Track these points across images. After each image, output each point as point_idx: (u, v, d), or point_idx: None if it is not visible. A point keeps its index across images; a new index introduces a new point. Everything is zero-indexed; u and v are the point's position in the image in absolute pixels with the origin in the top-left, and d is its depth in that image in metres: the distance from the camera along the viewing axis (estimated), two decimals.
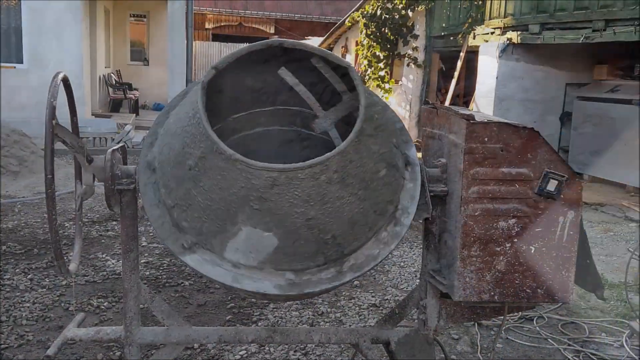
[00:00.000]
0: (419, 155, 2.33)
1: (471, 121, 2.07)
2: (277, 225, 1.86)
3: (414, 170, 2.18)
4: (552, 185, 2.10)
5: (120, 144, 2.34)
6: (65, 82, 2.22)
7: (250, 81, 2.31)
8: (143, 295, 2.38)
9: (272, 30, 32.81)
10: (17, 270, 4.70)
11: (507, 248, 2.15)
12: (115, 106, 15.25)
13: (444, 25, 13.05)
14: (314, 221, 1.87)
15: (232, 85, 2.26)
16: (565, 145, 10.74)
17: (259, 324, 4.03)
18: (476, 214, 2.12)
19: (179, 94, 2.29)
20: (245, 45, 2.11)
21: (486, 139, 2.08)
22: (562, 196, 2.11)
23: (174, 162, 1.97)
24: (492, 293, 2.18)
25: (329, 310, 4.33)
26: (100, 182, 2.26)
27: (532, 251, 2.15)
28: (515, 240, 2.14)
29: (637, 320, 4.13)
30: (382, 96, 15.03)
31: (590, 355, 3.81)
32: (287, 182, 1.81)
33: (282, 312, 4.22)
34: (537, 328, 4.21)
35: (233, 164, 1.81)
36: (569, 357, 3.78)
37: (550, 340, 4.02)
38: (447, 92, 12.73)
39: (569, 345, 3.96)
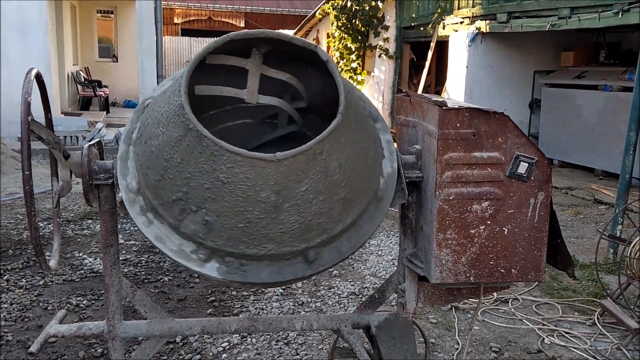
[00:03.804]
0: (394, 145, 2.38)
1: (443, 108, 2.12)
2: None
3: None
4: (522, 168, 2.16)
5: (96, 139, 2.34)
6: (39, 78, 2.21)
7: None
8: (124, 289, 2.39)
9: (242, 24, 32.57)
10: None
11: (481, 230, 2.21)
12: (85, 104, 15.02)
13: (414, 15, 13.14)
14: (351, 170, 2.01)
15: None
16: (535, 132, 10.95)
17: (240, 316, 4.05)
18: (450, 198, 2.17)
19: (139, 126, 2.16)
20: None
21: (458, 125, 2.13)
22: (532, 178, 2.18)
23: (231, 214, 1.88)
24: (468, 274, 2.24)
25: (309, 300, 4.37)
26: (77, 178, 2.26)
27: (505, 232, 2.22)
28: (489, 222, 2.20)
29: (608, 298, 4.27)
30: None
31: (564, 334, 3.93)
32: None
33: (262, 304, 4.26)
34: (512, 309, 4.32)
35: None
36: (543, 336, 3.90)
37: (525, 321, 4.13)
38: (419, 82, 12.84)
39: (543, 325, 4.08)
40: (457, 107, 2.13)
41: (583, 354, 3.67)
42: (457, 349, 3.71)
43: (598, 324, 4.05)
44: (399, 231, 2.48)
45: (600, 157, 9.17)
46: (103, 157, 2.36)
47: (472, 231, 2.21)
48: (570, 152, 9.88)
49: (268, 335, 3.70)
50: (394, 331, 2.46)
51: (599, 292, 4.59)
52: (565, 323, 4.12)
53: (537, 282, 4.77)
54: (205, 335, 3.62)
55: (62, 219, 6.16)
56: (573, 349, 3.73)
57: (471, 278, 2.25)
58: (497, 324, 4.09)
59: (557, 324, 4.10)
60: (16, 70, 10.55)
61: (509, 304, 4.41)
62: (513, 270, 2.25)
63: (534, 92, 11.02)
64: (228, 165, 1.78)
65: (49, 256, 2.40)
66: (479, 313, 4.21)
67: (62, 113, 12.18)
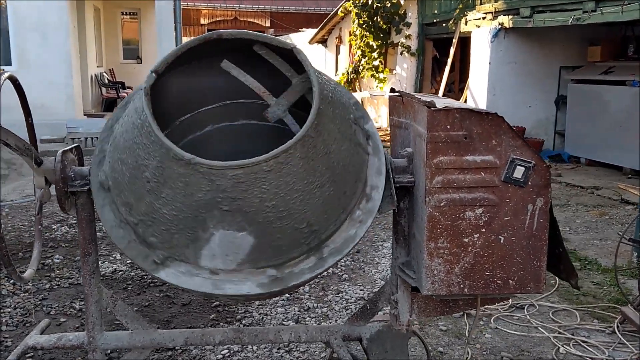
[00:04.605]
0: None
1: (432, 108, 1.98)
2: (250, 223, 1.81)
3: (375, 142, 2.15)
4: (518, 172, 2.02)
5: (75, 144, 2.27)
6: (14, 82, 2.15)
7: (198, 80, 2.22)
8: (105, 299, 2.31)
9: (268, 24, 32.66)
10: (1, 275, 4.64)
11: (475, 239, 2.07)
12: (109, 105, 15.16)
13: (436, 12, 12.92)
14: (287, 212, 1.81)
15: (178, 87, 2.17)
16: (561, 129, 10.64)
17: (244, 322, 3.97)
18: (441, 204, 2.04)
19: (120, 104, 2.21)
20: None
21: (449, 127, 2.00)
22: (529, 183, 2.03)
23: (130, 177, 1.89)
24: (462, 285, 2.10)
25: (315, 305, 4.26)
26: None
27: (501, 241, 2.08)
28: (483, 230, 2.06)
29: (629, 305, 4.06)
30: (377, 86, 14.93)
31: (581, 343, 3.74)
32: (252, 177, 1.75)
33: (267, 309, 4.16)
34: (528, 316, 4.14)
35: (194, 168, 1.74)
36: (559, 345, 3.71)
37: (541, 329, 3.95)
38: (442, 79, 12.61)
39: (560, 333, 3.89)
40: (447, 107, 1.99)
41: None
42: (467, 358, 3.55)
43: (617, 333, 3.84)
44: (392, 238, 2.35)
45: (629, 155, 8.84)
46: (83, 163, 2.29)
47: (466, 240, 2.07)
48: (597, 150, 9.56)
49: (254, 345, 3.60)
50: (386, 344, 2.34)
51: (620, 298, 4.37)
52: (583, 331, 3.92)
53: (554, 287, 4.58)
54: None
55: (74, 221, 6.17)
56: (589, 359, 3.55)
57: (465, 289, 2.11)
58: (510, 331, 3.91)
59: (575, 332, 3.91)
60: (37, 74, 10.70)
61: (524, 310, 4.23)
62: (510, 281, 2.11)
63: (560, 89, 10.70)
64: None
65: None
66: (491, 321, 4.04)
67: (84, 115, 12.30)
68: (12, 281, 4.52)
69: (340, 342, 2.35)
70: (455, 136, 2.00)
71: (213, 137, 2.38)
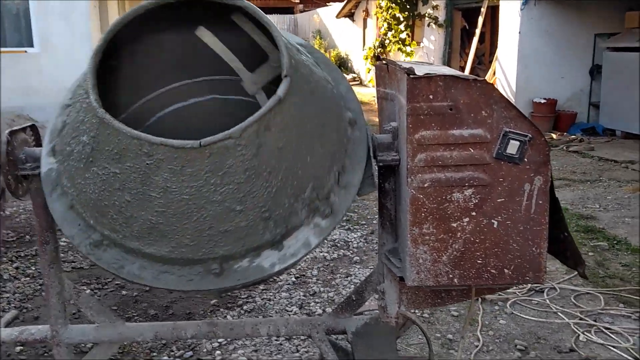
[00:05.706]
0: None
1: (411, 76, 1.74)
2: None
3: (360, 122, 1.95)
4: (513, 148, 1.76)
5: (30, 123, 2.10)
6: None
7: (166, 53, 2.03)
8: (67, 290, 2.16)
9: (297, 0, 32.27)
10: (5, 258, 4.58)
11: (465, 223, 1.83)
12: None
13: None
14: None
15: (145, 61, 1.98)
16: (596, 101, 10.13)
17: (245, 307, 3.81)
18: (425, 185, 1.80)
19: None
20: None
21: (431, 97, 1.75)
22: (525, 160, 1.77)
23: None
24: (451, 275, 1.87)
25: (322, 289, 4.08)
26: None
27: (495, 225, 1.83)
28: (474, 213, 1.82)
29: None
30: (404, 59, 14.50)
31: (603, 330, 3.47)
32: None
33: (270, 294, 4.00)
34: (547, 301, 3.87)
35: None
36: (579, 332, 3.45)
37: (560, 314, 3.69)
38: (470, 51, 12.14)
39: (581, 319, 3.62)
40: (428, 74, 1.74)
41: (623, 354, 3.21)
42: (477, 346, 3.32)
43: None
44: (377, 223, 2.13)
45: None
46: (40, 143, 2.12)
47: (454, 225, 1.83)
48: (634, 122, 9.06)
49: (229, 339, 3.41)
50: (372, 338, 2.13)
51: None
52: (607, 317, 3.65)
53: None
54: None
55: None
56: (611, 348, 3.28)
57: (455, 280, 1.88)
58: (527, 317, 3.66)
59: (598, 318, 3.63)
60: (59, 55, 10.64)
61: (544, 294, 3.96)
62: (506, 270, 1.86)
63: (595, 58, 10.17)
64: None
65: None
66: (507, 305, 3.79)
67: None
68: (14, 265, 4.46)
69: (323, 336, 2.15)
70: (439, 107, 1.75)
71: (181, 115, 2.18)
